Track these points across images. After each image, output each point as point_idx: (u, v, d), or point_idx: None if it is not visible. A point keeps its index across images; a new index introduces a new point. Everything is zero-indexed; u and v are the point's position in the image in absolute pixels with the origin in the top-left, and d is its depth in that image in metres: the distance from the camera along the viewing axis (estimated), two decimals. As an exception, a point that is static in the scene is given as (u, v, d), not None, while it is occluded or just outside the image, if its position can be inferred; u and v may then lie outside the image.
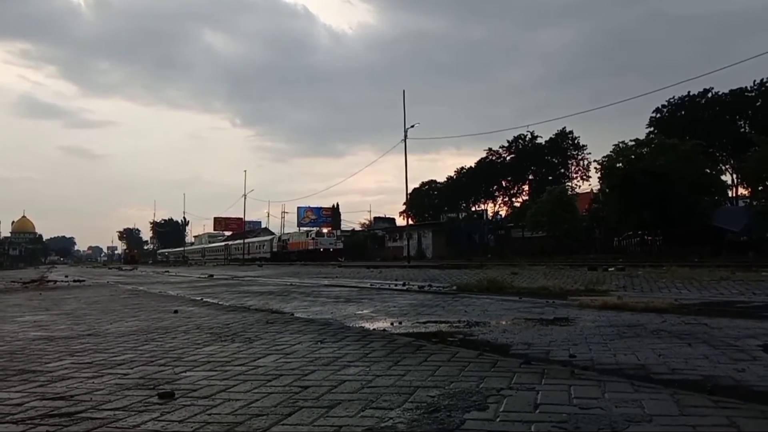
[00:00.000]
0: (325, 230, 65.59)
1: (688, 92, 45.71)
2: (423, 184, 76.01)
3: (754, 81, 43.60)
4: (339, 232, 68.23)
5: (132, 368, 3.77)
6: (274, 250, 70.28)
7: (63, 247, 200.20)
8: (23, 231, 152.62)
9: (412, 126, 41.70)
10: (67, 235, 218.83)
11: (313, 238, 61.08)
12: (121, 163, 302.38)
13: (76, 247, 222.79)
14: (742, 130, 43.26)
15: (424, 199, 73.83)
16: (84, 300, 10.76)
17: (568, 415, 2.46)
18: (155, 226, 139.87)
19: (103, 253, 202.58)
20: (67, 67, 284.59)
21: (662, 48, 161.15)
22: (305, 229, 71.50)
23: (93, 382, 3.37)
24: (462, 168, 69.75)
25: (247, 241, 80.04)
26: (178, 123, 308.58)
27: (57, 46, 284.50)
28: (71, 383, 3.36)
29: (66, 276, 27.14)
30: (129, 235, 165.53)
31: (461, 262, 28.76)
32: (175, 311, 7.65)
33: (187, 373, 3.55)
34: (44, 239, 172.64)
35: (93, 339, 5.26)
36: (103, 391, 3.15)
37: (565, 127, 61.28)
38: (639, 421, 2.35)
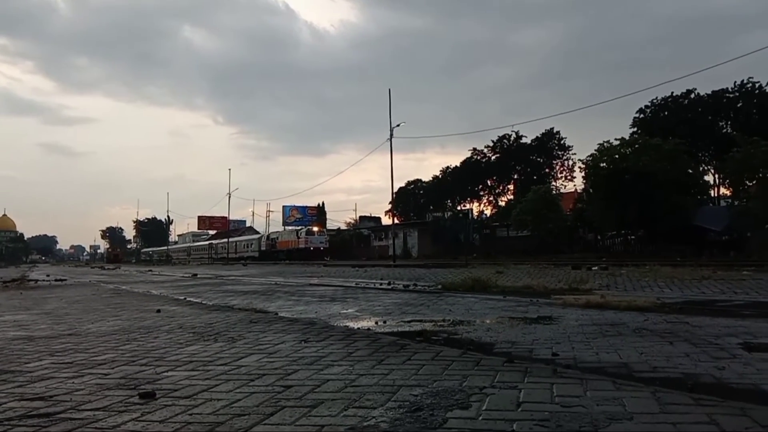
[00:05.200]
0: (315, 228, 65.16)
1: (671, 93, 46.23)
2: (409, 183, 76.10)
3: (735, 82, 44.21)
4: (325, 231, 68.00)
5: (113, 368, 3.73)
6: (263, 248, 69.77)
7: (45, 246, 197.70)
8: (4, 230, 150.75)
9: (398, 125, 41.71)
10: (49, 234, 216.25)
11: (303, 237, 60.70)
12: (103, 161, 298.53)
13: (58, 246, 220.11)
14: (724, 130, 43.80)
15: (410, 199, 73.91)
16: (65, 299, 10.64)
17: (550, 413, 2.47)
18: (138, 224, 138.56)
19: (85, 252, 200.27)
20: (44, 62, 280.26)
21: (646, 47, 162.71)
22: (295, 227, 70.89)
23: (73, 383, 3.33)
24: (447, 167, 70.01)
25: (234, 239, 79.48)
26: (159, 120, 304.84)
27: (34, 42, 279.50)
28: (51, 383, 3.32)
29: (47, 275, 26.83)
30: (112, 234, 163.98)
31: (446, 261, 28.86)
32: (158, 310, 7.59)
33: (169, 373, 3.52)
34: (25, 238, 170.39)
35: (74, 339, 5.20)
36: (83, 391, 3.11)
37: (553, 128, 61.73)
38: (620, 419, 2.37)
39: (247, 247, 75.26)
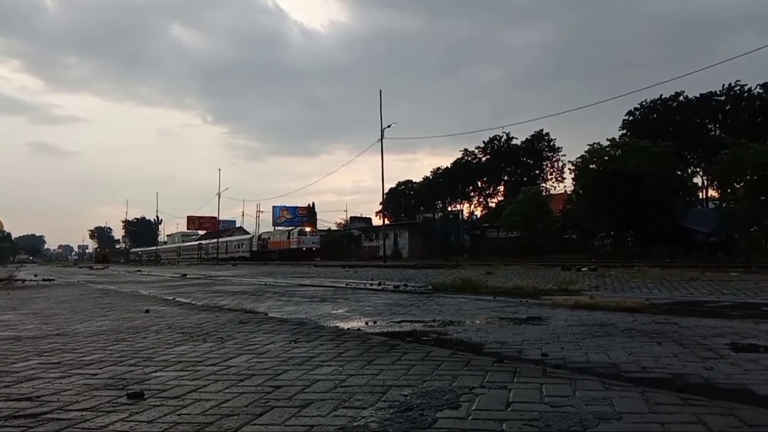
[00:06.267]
0: (308, 229, 64.92)
1: (660, 95, 46.55)
2: (399, 184, 76.22)
3: (723, 85, 44.59)
4: (317, 232, 67.81)
5: (101, 368, 3.71)
6: (254, 249, 69.36)
7: (32, 246, 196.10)
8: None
9: (389, 126, 41.64)
10: (37, 234, 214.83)
11: (296, 237, 60.48)
12: (92, 160, 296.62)
13: (46, 246, 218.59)
14: (712, 133, 44.17)
15: (401, 199, 73.98)
16: (53, 299, 10.56)
17: (539, 413, 2.47)
18: (127, 224, 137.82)
19: (73, 252, 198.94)
20: (32, 61, 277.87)
21: (636, 48, 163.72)
22: (286, 227, 70.48)
23: (60, 383, 3.30)
24: (438, 168, 70.26)
25: (225, 239, 79.03)
26: (149, 119, 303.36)
27: (21, 40, 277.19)
28: (38, 384, 3.29)
29: (35, 275, 26.62)
30: (100, 234, 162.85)
31: (437, 262, 28.88)
32: (147, 311, 7.55)
33: (158, 373, 3.50)
34: (13, 237, 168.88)
35: (61, 339, 5.16)
36: (70, 391, 3.09)
37: (542, 129, 62.06)
38: (609, 418, 2.37)
39: (238, 247, 74.88)
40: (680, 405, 2.55)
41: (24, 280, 20.65)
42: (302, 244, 58.97)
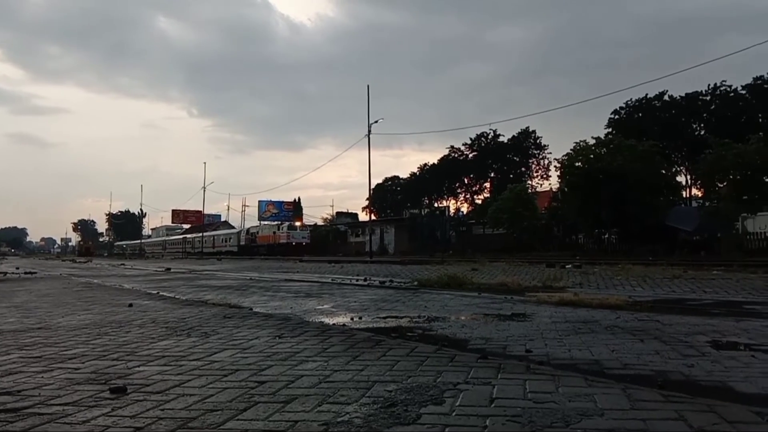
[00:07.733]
0: (297, 223, 64.74)
1: (646, 94, 46.89)
2: (386, 180, 76.24)
3: (708, 85, 45.02)
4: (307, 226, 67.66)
5: (83, 362, 3.67)
6: (242, 243, 68.95)
7: (14, 238, 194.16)
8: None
9: (376, 121, 41.50)
10: (19, 226, 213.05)
11: (285, 232, 60.29)
12: (75, 153, 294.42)
13: (28, 239, 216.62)
14: (697, 132, 44.60)
15: (387, 195, 74.06)
16: (35, 292, 10.45)
17: (522, 409, 2.49)
18: (111, 217, 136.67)
19: (56, 245, 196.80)
20: (14, 50, 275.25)
21: (623, 47, 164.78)
22: (275, 222, 70.19)
23: (42, 377, 3.27)
24: (425, 164, 70.37)
25: (212, 233, 78.54)
26: (133, 112, 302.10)
27: (2, 28, 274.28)
28: (19, 378, 3.26)
29: (17, 268, 26.30)
30: (84, 227, 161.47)
31: (423, 258, 28.94)
32: (130, 305, 7.49)
33: (141, 368, 3.48)
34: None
35: (43, 332, 5.11)
36: (52, 385, 3.06)
37: (528, 127, 62.35)
38: (591, 415, 2.39)
39: (226, 241, 74.42)
40: (661, 402, 2.58)
41: (5, 273, 20.37)
42: (292, 239, 58.83)
